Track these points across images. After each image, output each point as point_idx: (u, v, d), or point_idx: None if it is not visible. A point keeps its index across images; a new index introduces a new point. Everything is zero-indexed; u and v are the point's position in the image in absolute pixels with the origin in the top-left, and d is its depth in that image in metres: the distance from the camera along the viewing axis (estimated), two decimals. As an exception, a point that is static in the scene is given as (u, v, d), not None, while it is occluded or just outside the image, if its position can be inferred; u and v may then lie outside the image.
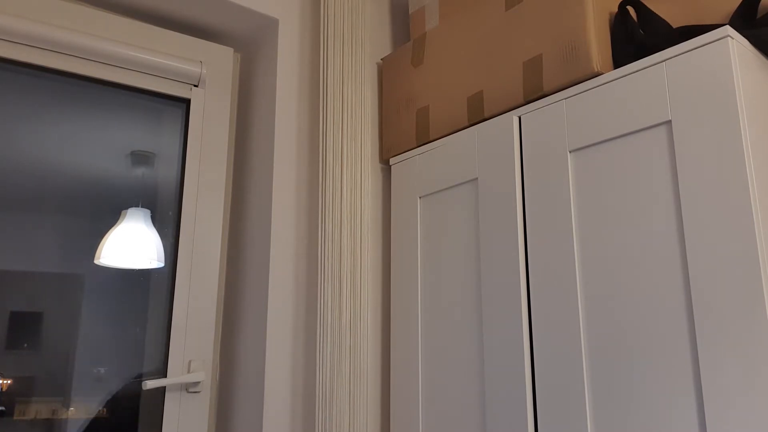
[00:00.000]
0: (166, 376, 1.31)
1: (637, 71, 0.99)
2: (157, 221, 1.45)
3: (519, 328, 1.07)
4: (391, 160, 1.50)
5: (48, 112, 1.37)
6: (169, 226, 1.44)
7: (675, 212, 0.91)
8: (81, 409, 1.28)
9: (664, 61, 0.95)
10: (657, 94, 0.95)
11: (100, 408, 1.30)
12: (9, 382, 1.24)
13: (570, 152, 1.07)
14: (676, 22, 1.06)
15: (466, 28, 1.34)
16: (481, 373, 1.15)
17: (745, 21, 1.00)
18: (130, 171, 1.47)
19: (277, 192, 1.41)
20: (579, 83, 1.08)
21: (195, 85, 1.49)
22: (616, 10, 1.13)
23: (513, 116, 1.18)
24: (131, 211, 1.42)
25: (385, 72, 1.57)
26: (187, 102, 1.48)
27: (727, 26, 0.90)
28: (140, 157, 1.48)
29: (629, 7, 1.11)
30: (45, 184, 1.35)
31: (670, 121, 0.93)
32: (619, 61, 1.09)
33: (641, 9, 1.10)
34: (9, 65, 1.29)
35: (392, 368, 1.38)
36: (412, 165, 1.42)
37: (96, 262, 1.37)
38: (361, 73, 1.48)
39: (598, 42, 1.07)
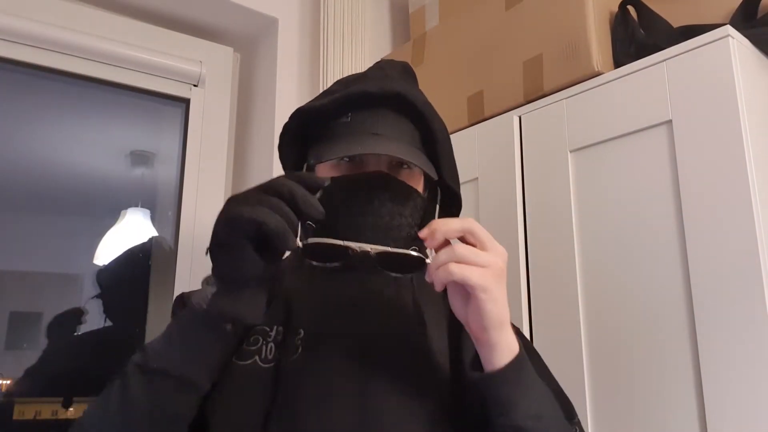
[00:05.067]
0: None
1: (637, 71, 0.99)
2: (157, 221, 1.45)
3: (519, 327, 1.07)
4: (391, 160, 1.50)
5: (48, 112, 1.37)
6: (168, 226, 1.44)
7: (675, 212, 0.90)
8: (81, 410, 1.28)
9: (665, 60, 0.95)
10: (657, 94, 0.95)
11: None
12: (9, 382, 1.24)
13: (570, 152, 1.07)
14: (676, 21, 1.06)
15: (466, 28, 1.34)
16: (481, 373, 1.14)
17: (746, 20, 0.99)
18: (130, 171, 1.47)
19: (277, 192, 1.40)
20: (579, 83, 1.08)
21: (195, 85, 1.49)
22: (616, 9, 1.12)
23: (513, 116, 1.17)
24: (131, 211, 1.42)
25: (385, 72, 1.57)
26: (186, 102, 1.48)
27: (728, 26, 0.89)
28: (140, 157, 1.48)
29: (630, 7, 1.10)
30: (45, 184, 1.35)
31: (670, 121, 0.93)
32: (619, 60, 1.08)
33: (642, 8, 1.09)
34: (9, 65, 1.28)
35: (392, 368, 1.38)
36: (412, 165, 1.41)
37: (95, 262, 1.37)
38: (361, 73, 1.48)
39: (598, 42, 1.07)
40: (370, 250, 0.61)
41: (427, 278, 0.61)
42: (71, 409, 1.26)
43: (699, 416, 0.83)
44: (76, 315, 1.32)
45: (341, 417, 0.62)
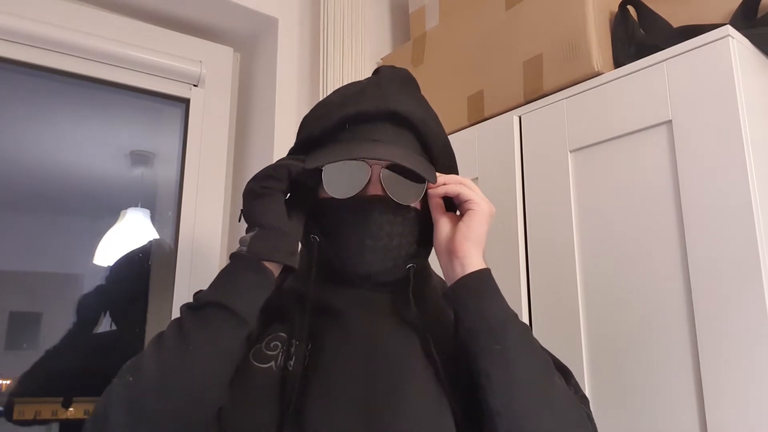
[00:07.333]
0: (165, 377, 1.30)
1: (637, 71, 0.99)
2: (157, 221, 1.45)
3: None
4: (391, 160, 1.50)
5: (48, 112, 1.37)
6: (168, 226, 1.44)
7: (675, 212, 0.90)
8: (80, 409, 1.27)
9: (665, 60, 0.95)
10: (657, 94, 0.95)
11: (100, 408, 1.29)
12: (8, 382, 1.24)
13: (570, 152, 1.07)
14: (676, 21, 1.06)
15: (467, 28, 1.34)
16: (481, 373, 1.14)
17: (746, 20, 0.99)
18: (130, 171, 1.47)
19: (277, 192, 1.40)
20: (579, 83, 1.08)
21: (195, 85, 1.49)
22: (616, 9, 1.12)
23: (513, 116, 1.17)
24: (131, 211, 1.42)
25: (385, 72, 1.57)
26: (186, 102, 1.48)
27: (728, 26, 0.89)
28: (140, 157, 1.48)
29: (630, 7, 1.10)
30: (45, 184, 1.35)
31: (670, 121, 0.93)
32: (619, 60, 1.08)
33: (642, 8, 1.09)
34: (9, 65, 1.28)
35: (392, 368, 1.38)
36: (412, 165, 1.41)
37: (95, 262, 1.37)
38: (361, 73, 1.48)
39: (598, 42, 1.07)
40: (382, 167, 0.70)
41: (430, 189, 0.72)
42: (71, 409, 1.26)
43: (699, 416, 0.83)
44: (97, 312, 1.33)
45: (348, 426, 0.64)
